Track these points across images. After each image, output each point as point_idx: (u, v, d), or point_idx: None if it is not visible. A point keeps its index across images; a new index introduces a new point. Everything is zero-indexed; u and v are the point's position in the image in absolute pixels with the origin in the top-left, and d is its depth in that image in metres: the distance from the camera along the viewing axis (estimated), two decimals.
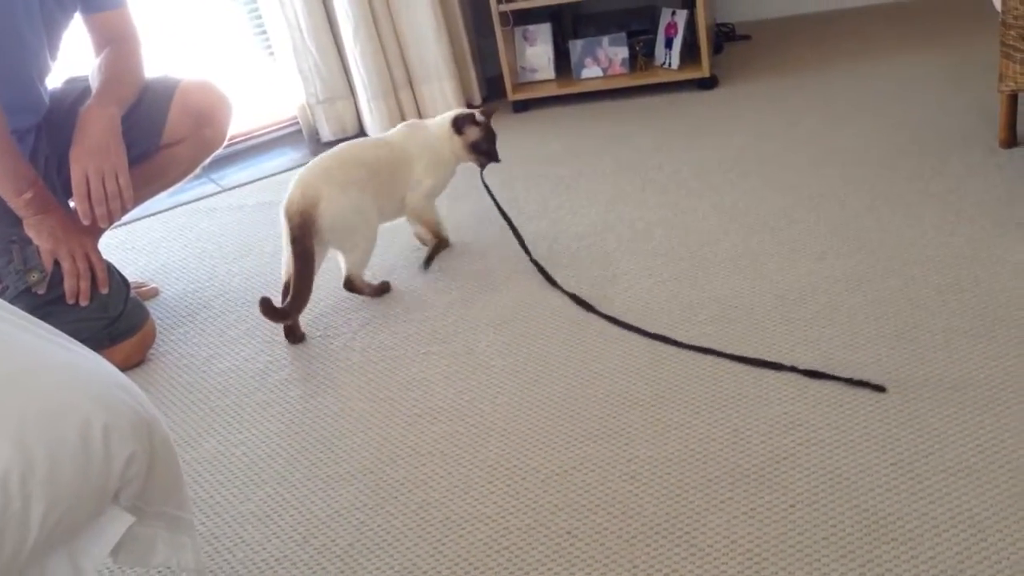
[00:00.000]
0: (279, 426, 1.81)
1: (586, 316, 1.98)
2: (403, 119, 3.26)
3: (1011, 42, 2.20)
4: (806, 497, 1.40)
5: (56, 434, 0.98)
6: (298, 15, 3.16)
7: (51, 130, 2.15)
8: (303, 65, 3.23)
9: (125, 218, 2.25)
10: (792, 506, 1.39)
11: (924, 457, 1.44)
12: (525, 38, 3.38)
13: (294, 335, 2.10)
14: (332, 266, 2.21)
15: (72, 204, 2.04)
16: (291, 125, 3.44)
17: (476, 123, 2.30)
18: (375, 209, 2.17)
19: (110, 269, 2.09)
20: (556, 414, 1.70)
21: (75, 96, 2.16)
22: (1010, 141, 2.35)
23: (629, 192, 2.52)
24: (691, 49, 3.26)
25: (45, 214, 2.00)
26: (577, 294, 2.06)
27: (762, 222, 2.23)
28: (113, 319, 2.05)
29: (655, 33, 3.32)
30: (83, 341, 1.19)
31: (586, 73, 3.33)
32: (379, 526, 1.51)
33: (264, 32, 3.29)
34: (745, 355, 1.74)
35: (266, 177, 3.12)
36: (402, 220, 2.36)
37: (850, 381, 1.63)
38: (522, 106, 3.34)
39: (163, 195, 2.45)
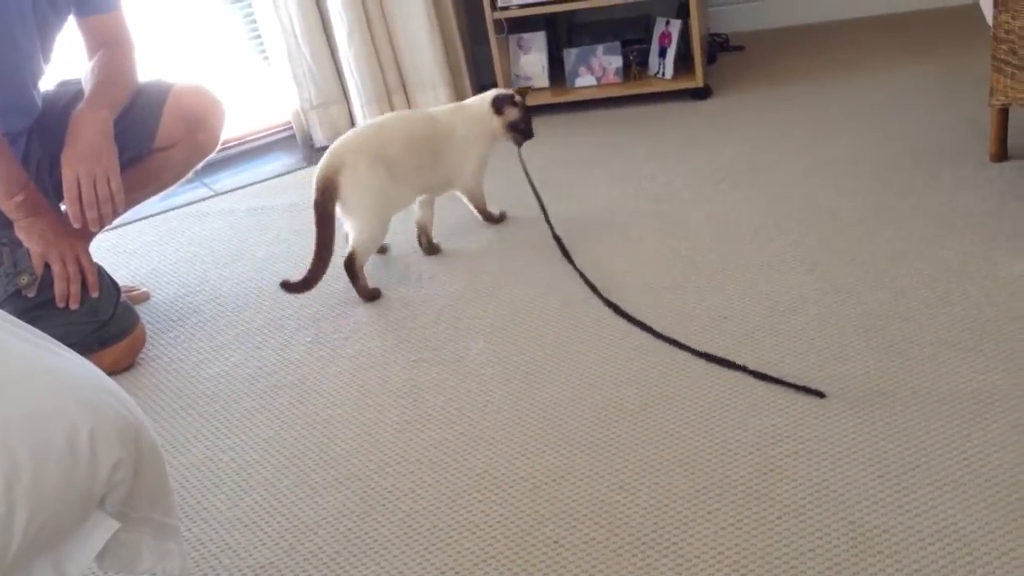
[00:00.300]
0: (268, 432, 1.81)
1: (577, 325, 1.98)
2: None
3: (1002, 56, 2.21)
4: (793, 508, 1.40)
5: (42, 439, 0.98)
6: (293, 20, 3.16)
7: (43, 133, 2.15)
8: (297, 70, 3.23)
9: (116, 222, 2.25)
10: (779, 517, 1.39)
11: (911, 470, 1.44)
12: (519, 46, 3.38)
13: (368, 293, 2.23)
14: (327, 274, 2.21)
15: (63, 207, 2.03)
16: (285, 130, 3.44)
17: (515, 103, 2.40)
18: (399, 190, 2.25)
19: (100, 273, 2.08)
20: (545, 423, 1.70)
21: (68, 99, 2.16)
22: (1001, 155, 2.36)
23: (621, 201, 2.53)
24: (685, 59, 3.27)
25: (36, 217, 1.99)
26: (567, 305, 2.06)
27: (753, 233, 2.24)
28: (103, 323, 2.04)
29: (649, 43, 3.32)
30: (72, 345, 1.19)
31: (580, 82, 3.33)
32: (366, 534, 1.51)
33: (259, 36, 3.29)
34: (708, 352, 1.76)
35: (259, 182, 3.12)
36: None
37: (792, 386, 1.66)
38: None
39: (155, 199, 2.45)
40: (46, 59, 2.14)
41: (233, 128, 3.20)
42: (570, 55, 3.34)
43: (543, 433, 1.67)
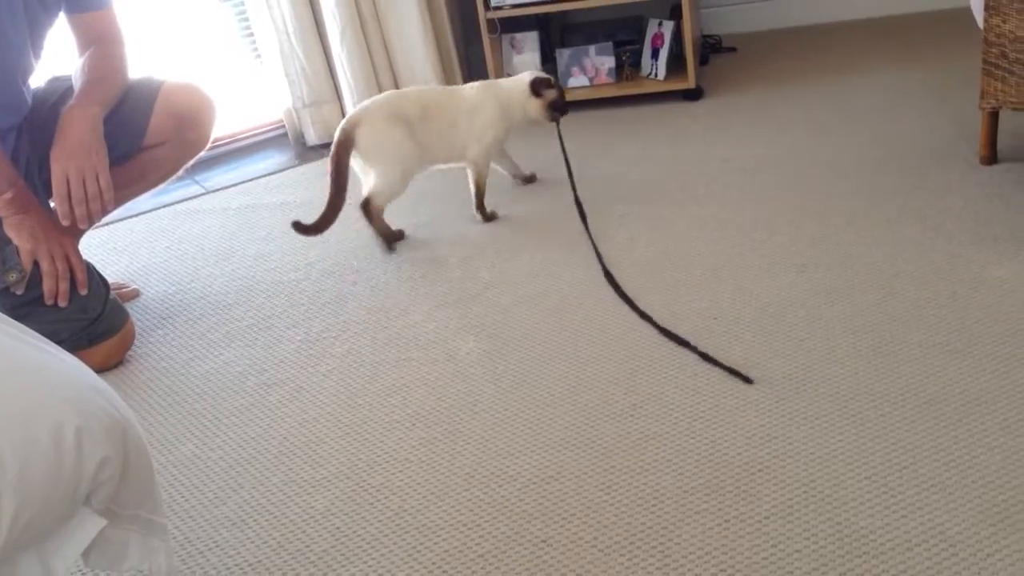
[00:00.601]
0: (257, 430, 1.81)
1: (566, 326, 1.99)
2: None
3: (992, 60, 2.22)
4: (780, 509, 1.41)
5: (27, 436, 0.98)
6: (285, 18, 3.16)
7: (33, 130, 2.14)
8: (290, 68, 3.23)
9: (107, 219, 2.24)
10: (766, 518, 1.40)
11: (898, 471, 1.45)
12: (512, 46, 3.38)
13: (390, 240, 2.42)
14: (318, 273, 2.21)
15: (52, 204, 2.03)
16: (277, 128, 3.43)
17: (551, 85, 2.53)
18: (417, 148, 2.39)
19: (90, 270, 2.08)
20: (534, 423, 1.70)
21: (58, 96, 2.15)
22: (990, 158, 2.37)
23: (611, 201, 2.53)
24: (677, 60, 3.28)
25: (25, 214, 1.99)
26: (558, 306, 2.07)
27: (743, 233, 2.24)
28: (92, 320, 2.04)
29: (642, 44, 3.33)
30: (62, 342, 1.19)
31: (572, 82, 3.34)
32: (355, 532, 1.51)
33: (251, 35, 3.29)
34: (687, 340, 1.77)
35: (251, 180, 3.11)
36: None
37: (726, 368, 1.73)
38: None
39: (146, 196, 2.45)
40: (36, 56, 2.13)
41: (225, 126, 3.21)
42: (563, 55, 3.34)
43: (532, 433, 1.67)
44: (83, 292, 2.03)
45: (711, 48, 3.64)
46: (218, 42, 3.40)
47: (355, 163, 2.38)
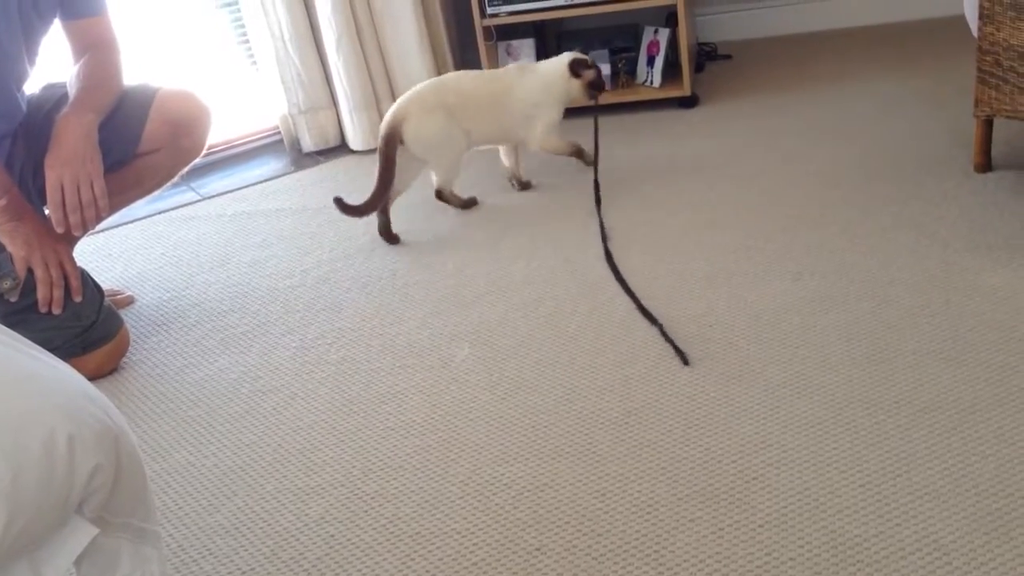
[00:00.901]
0: (251, 437, 1.81)
1: (561, 333, 1.99)
2: None
3: (987, 68, 2.22)
4: (774, 517, 1.41)
5: (19, 444, 0.97)
6: (281, 25, 3.16)
7: (28, 136, 2.14)
8: (285, 75, 3.23)
9: (101, 225, 2.25)
10: (760, 526, 1.40)
11: (892, 479, 1.45)
12: (508, 53, 3.39)
13: (389, 235, 2.52)
14: (313, 280, 2.21)
15: (47, 211, 2.03)
16: (273, 135, 3.43)
17: (589, 65, 2.63)
18: (462, 131, 2.52)
19: (84, 277, 2.07)
20: (528, 430, 1.70)
21: (53, 103, 2.15)
22: (985, 166, 2.37)
23: (607, 208, 2.53)
24: (673, 67, 3.28)
25: (19, 221, 1.98)
26: (553, 313, 2.07)
27: (738, 241, 2.25)
28: (86, 327, 2.03)
29: (637, 51, 3.33)
30: (56, 349, 1.18)
31: None
32: (349, 540, 1.50)
33: (247, 41, 3.29)
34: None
35: (246, 187, 3.11)
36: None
37: (667, 339, 1.86)
38: None
39: (141, 203, 2.44)
40: (31, 62, 2.14)
41: (221, 132, 3.21)
42: None
43: (526, 440, 1.67)
44: (77, 299, 2.03)
45: (707, 56, 3.65)
46: (214, 48, 3.39)
47: (403, 156, 2.50)
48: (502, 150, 2.74)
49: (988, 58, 2.21)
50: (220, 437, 1.82)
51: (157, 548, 1.19)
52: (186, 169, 2.37)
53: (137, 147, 2.25)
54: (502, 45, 3.38)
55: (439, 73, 3.32)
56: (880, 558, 1.31)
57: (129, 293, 2.46)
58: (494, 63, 3.34)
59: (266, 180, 3.14)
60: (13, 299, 1.98)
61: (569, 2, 3.13)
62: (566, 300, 2.11)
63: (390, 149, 2.46)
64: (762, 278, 2.07)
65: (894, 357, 1.73)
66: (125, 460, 1.10)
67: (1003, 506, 1.36)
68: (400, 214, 2.55)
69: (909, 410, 1.59)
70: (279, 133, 3.37)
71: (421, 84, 2.61)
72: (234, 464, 1.74)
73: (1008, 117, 2.25)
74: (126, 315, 2.30)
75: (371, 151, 3.20)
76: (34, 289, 1.99)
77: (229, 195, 3.06)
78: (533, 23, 3.34)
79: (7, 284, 1.97)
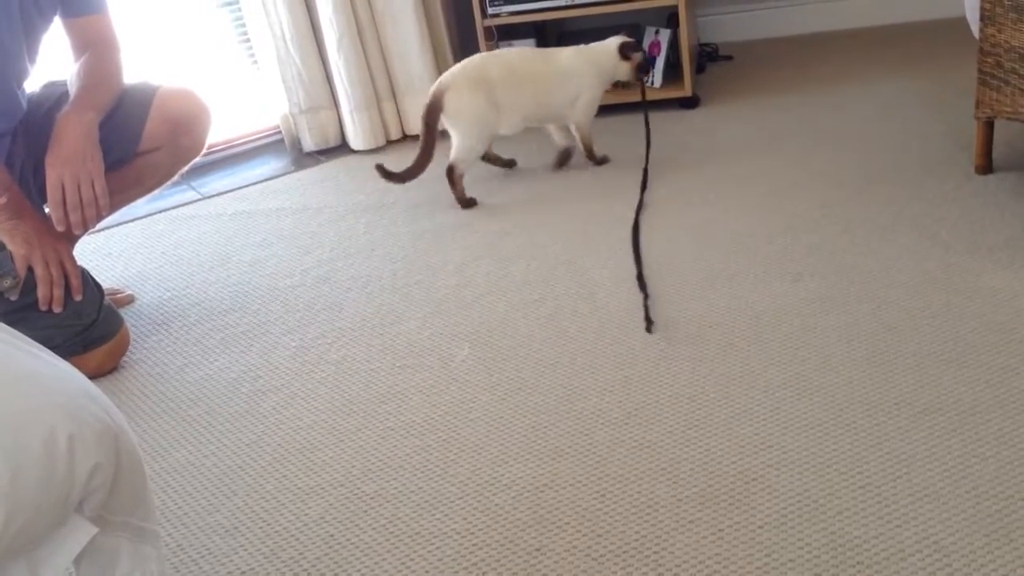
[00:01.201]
0: (251, 437, 1.80)
1: (562, 333, 1.98)
2: (385, 131, 3.29)
3: (988, 69, 2.22)
4: (774, 519, 1.41)
5: (18, 442, 0.97)
6: (282, 24, 3.16)
7: (28, 135, 2.14)
8: (286, 74, 3.23)
9: (102, 224, 2.24)
10: (760, 527, 1.39)
11: (892, 481, 1.44)
12: None
13: (466, 205, 2.64)
14: (313, 279, 2.21)
15: (47, 210, 2.03)
16: (273, 134, 3.43)
17: (638, 48, 2.74)
18: (496, 112, 2.61)
19: (84, 276, 2.07)
20: (528, 431, 1.70)
21: (53, 101, 2.15)
22: (986, 167, 2.37)
23: (607, 209, 2.53)
24: (674, 68, 3.28)
25: (20, 219, 1.98)
26: (553, 313, 2.07)
27: (738, 242, 2.24)
28: (86, 326, 2.03)
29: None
30: (56, 348, 1.18)
31: None
32: (348, 540, 1.50)
33: (248, 40, 3.29)
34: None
35: (247, 186, 3.11)
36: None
37: (646, 309, 1.96)
38: None
39: (141, 201, 2.44)
40: (32, 60, 2.13)
41: (221, 132, 3.21)
42: None
43: (526, 441, 1.67)
44: (77, 298, 2.03)
45: (708, 56, 3.65)
46: (215, 47, 3.39)
47: (444, 124, 2.61)
48: (554, 133, 2.82)
49: (989, 60, 2.21)
50: (220, 436, 1.82)
51: (156, 547, 1.19)
52: (186, 168, 2.37)
53: (137, 146, 2.25)
54: (503, 45, 3.37)
55: (439, 73, 3.32)
56: (880, 560, 1.31)
57: (129, 292, 2.45)
58: None
59: (267, 179, 3.14)
60: (13, 297, 1.98)
61: (570, 2, 3.14)
62: (566, 300, 2.11)
63: (432, 118, 2.57)
64: (762, 279, 2.07)
65: (894, 359, 1.73)
66: (125, 459, 1.10)
67: (1003, 508, 1.36)
68: (400, 214, 2.56)
69: (909, 412, 1.59)
70: (280, 132, 3.37)
71: (469, 58, 2.69)
72: (234, 463, 1.73)
73: (1009, 119, 2.25)
74: (126, 314, 2.29)
75: (372, 151, 3.22)
76: (34, 288, 1.99)
77: (229, 194, 3.06)
78: (534, 23, 3.34)
79: (7, 282, 1.97)
